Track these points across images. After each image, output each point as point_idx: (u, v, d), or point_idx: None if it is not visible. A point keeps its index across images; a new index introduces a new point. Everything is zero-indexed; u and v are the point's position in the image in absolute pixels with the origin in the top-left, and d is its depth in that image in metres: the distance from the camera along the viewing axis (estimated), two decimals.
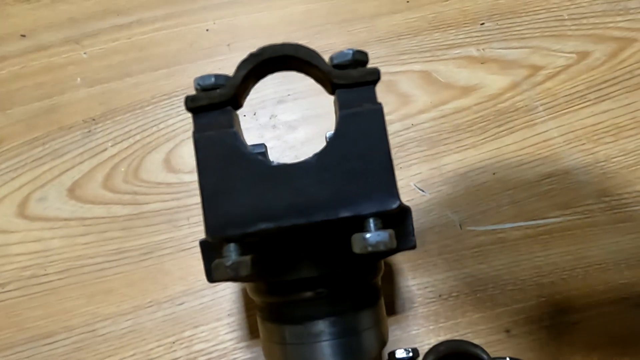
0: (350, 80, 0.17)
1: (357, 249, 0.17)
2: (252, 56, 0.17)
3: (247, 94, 0.19)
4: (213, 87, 0.17)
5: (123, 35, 0.38)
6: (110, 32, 0.38)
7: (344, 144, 0.17)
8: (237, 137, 0.17)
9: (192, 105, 0.17)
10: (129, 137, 0.35)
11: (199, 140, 0.17)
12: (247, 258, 0.17)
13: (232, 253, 0.17)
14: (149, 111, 0.36)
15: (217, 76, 0.17)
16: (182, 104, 0.37)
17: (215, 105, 0.17)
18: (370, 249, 0.17)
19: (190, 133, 0.35)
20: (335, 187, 0.17)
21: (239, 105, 0.18)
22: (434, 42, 0.37)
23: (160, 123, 0.35)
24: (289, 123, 0.35)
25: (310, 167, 0.17)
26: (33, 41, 0.38)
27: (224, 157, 0.17)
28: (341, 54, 0.17)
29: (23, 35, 0.39)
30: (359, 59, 0.18)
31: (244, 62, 0.17)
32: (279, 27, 0.39)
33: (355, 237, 0.17)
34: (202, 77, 0.17)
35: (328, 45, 0.38)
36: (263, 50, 0.17)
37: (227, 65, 0.38)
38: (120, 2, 0.40)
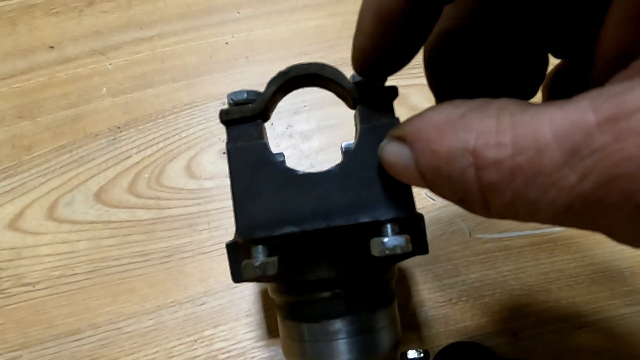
0: (370, 97, 0.19)
1: (375, 252, 0.18)
2: (281, 74, 0.19)
3: (275, 107, 0.20)
4: (245, 102, 0.19)
5: (145, 48, 0.40)
6: (133, 44, 0.40)
7: (364, 155, 0.19)
8: (266, 147, 0.19)
9: (226, 118, 0.19)
10: (152, 145, 0.36)
11: (232, 150, 0.19)
12: (274, 259, 0.18)
13: (259, 254, 0.18)
14: (170, 120, 0.37)
15: (248, 92, 0.19)
16: (202, 113, 0.39)
17: (246, 118, 0.19)
18: (387, 252, 0.18)
19: (210, 142, 0.37)
20: (356, 194, 0.19)
21: (267, 118, 0.20)
22: None
23: (181, 132, 0.37)
24: (304, 133, 0.37)
25: (332, 176, 0.19)
26: (60, 53, 0.40)
27: (254, 166, 0.19)
28: None
29: (51, 47, 0.41)
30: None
31: (273, 79, 0.19)
32: (294, 41, 0.40)
33: (374, 241, 0.18)
34: (235, 93, 0.19)
35: (341, 59, 0.39)
36: (291, 69, 0.19)
37: (245, 77, 0.39)
38: (143, 16, 0.42)
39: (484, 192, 0.12)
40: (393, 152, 0.15)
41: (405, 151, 0.15)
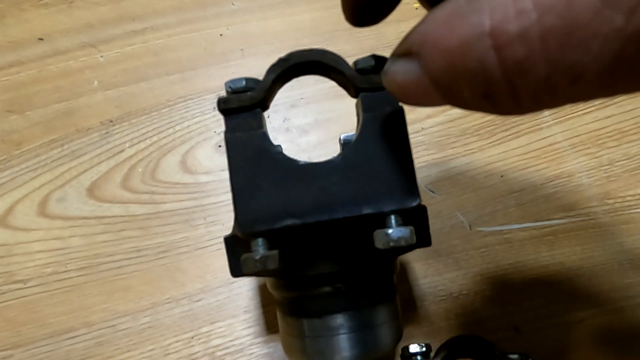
0: (373, 85, 0.18)
1: (379, 244, 0.18)
2: (280, 61, 0.18)
3: (274, 96, 0.20)
4: (244, 90, 0.18)
5: (138, 40, 0.39)
6: (125, 37, 0.40)
7: (367, 145, 0.18)
8: (266, 137, 0.18)
9: (224, 107, 0.18)
10: (146, 139, 0.36)
11: (230, 140, 0.18)
12: (275, 252, 0.18)
13: (260, 247, 0.18)
14: (164, 114, 0.37)
15: (247, 79, 0.18)
16: (197, 107, 0.38)
17: (245, 107, 0.18)
18: (392, 244, 0.17)
19: (205, 135, 0.36)
20: (358, 185, 0.18)
21: (266, 107, 0.19)
22: None
23: (176, 125, 0.36)
24: (301, 127, 0.36)
25: (335, 166, 0.18)
26: (50, 45, 0.39)
27: (253, 156, 0.18)
28: (364, 59, 0.19)
29: (40, 39, 0.40)
30: (381, 64, 0.19)
31: (273, 67, 0.18)
32: (289, 33, 0.40)
33: (378, 233, 0.18)
34: (234, 81, 0.18)
35: (338, 52, 0.39)
36: (291, 56, 0.18)
37: (241, 70, 0.39)
38: (135, 8, 0.41)
39: (511, 75, 0.11)
40: (399, 71, 0.13)
41: (413, 65, 0.13)
